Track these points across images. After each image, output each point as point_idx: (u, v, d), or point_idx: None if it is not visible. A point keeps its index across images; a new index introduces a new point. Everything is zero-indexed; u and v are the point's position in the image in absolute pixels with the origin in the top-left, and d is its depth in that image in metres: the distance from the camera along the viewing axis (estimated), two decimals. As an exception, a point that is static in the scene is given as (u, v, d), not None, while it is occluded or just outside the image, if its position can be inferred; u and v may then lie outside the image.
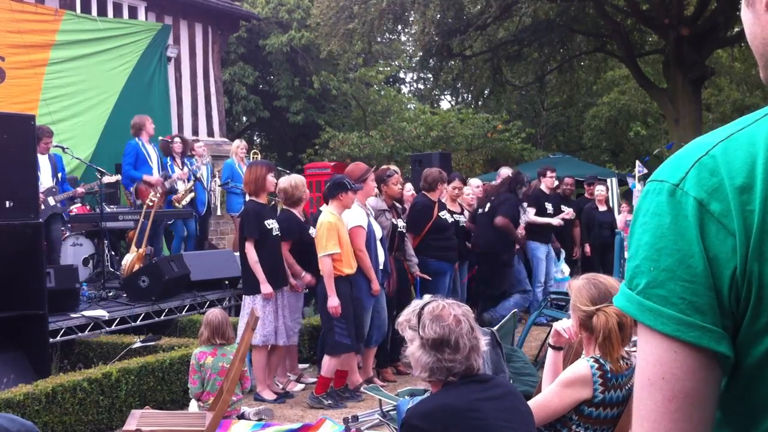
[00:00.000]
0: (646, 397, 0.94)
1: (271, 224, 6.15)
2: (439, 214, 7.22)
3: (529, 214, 8.67)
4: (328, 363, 5.89)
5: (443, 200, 7.62)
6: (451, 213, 7.59)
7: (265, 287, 5.93)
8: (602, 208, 10.07)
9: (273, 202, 6.67)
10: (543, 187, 9.33)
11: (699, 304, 0.91)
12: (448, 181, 7.80)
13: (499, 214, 7.91)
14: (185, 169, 9.24)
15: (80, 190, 8.34)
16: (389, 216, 6.81)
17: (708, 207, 0.91)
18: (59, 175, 8.01)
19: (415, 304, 2.61)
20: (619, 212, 13.28)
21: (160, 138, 9.58)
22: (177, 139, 9.55)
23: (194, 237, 9.63)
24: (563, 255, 9.58)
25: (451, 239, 7.29)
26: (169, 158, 9.34)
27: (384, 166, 7.36)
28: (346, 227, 6.00)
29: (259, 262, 5.96)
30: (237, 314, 7.70)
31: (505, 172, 9.08)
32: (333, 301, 5.76)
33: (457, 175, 8.32)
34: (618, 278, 7.32)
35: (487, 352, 2.72)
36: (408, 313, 2.58)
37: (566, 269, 9.52)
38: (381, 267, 6.39)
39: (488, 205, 8.19)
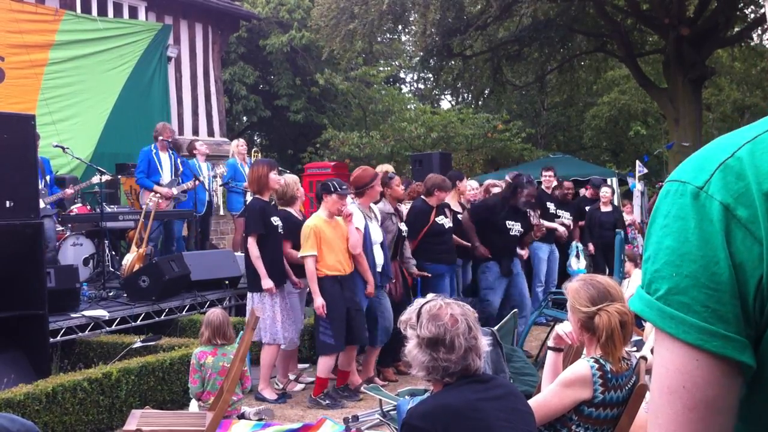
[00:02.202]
0: (666, 405, 0.91)
1: (277, 221, 6.15)
2: (436, 219, 7.19)
3: (535, 218, 8.63)
4: (321, 363, 5.92)
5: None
6: (455, 213, 7.60)
7: (266, 282, 5.93)
8: (605, 208, 10.07)
9: (273, 202, 6.66)
10: (543, 187, 9.39)
11: (723, 313, 0.88)
12: (457, 178, 7.87)
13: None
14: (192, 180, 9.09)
15: (69, 191, 8.30)
16: (395, 220, 6.81)
17: (734, 212, 0.88)
18: (47, 177, 7.95)
19: (417, 303, 2.61)
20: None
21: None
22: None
23: (181, 237, 9.61)
24: (581, 248, 9.58)
25: (446, 243, 7.26)
26: (180, 161, 9.32)
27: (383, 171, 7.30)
28: (341, 228, 6.00)
29: (260, 258, 5.97)
30: (237, 314, 7.70)
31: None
32: (317, 301, 5.81)
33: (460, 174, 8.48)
34: (618, 278, 7.30)
35: (487, 353, 2.71)
36: (409, 312, 2.59)
37: (582, 262, 9.51)
38: (379, 270, 6.39)
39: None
